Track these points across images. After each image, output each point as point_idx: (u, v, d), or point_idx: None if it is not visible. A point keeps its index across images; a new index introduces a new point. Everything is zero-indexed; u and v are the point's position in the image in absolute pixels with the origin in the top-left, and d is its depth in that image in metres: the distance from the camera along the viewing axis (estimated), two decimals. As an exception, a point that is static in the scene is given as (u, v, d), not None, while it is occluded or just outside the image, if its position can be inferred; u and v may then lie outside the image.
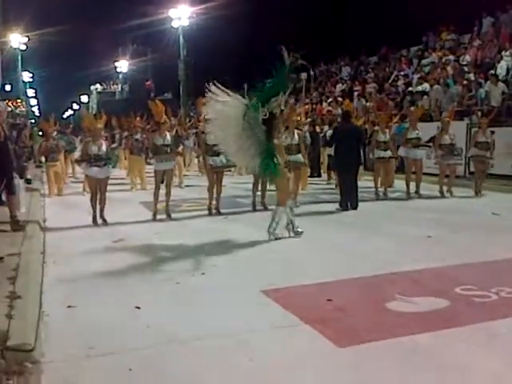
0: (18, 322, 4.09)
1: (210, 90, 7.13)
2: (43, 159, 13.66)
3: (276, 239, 7.35)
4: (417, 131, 11.36)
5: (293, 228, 7.50)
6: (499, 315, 4.35)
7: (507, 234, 7.45)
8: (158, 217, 9.15)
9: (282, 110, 7.52)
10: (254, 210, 9.82)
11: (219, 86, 7.12)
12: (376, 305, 4.65)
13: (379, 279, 5.41)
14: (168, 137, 9.25)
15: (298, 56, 7.15)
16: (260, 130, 7.11)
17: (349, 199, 9.66)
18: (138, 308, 4.63)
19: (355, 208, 9.66)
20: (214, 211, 9.58)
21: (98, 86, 50.83)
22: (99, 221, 8.78)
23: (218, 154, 9.08)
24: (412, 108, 13.88)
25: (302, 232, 7.48)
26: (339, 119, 13.56)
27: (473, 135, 11.58)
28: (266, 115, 7.06)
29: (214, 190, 9.56)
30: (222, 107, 7.15)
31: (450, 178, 11.49)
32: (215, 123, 7.40)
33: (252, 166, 7.60)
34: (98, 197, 8.84)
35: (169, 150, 9.19)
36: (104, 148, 8.81)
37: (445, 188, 11.35)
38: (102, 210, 8.86)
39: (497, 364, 3.58)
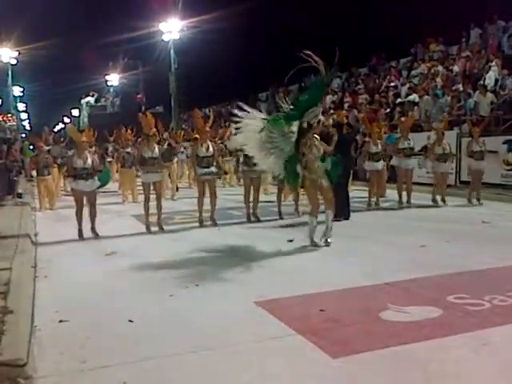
0: (9, 336, 4.06)
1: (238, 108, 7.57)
2: (34, 173, 13.63)
3: (315, 246, 7.48)
4: (408, 141, 11.44)
5: (326, 235, 7.62)
6: (492, 323, 4.36)
7: (498, 243, 7.48)
8: (154, 229, 9.13)
9: (319, 121, 7.67)
10: (249, 221, 9.83)
11: (242, 105, 7.51)
12: (369, 315, 4.65)
13: (372, 289, 5.42)
14: (156, 150, 9.25)
15: (334, 71, 7.43)
16: (284, 141, 7.38)
17: (343, 209, 9.50)
18: (131, 321, 4.61)
19: (347, 218, 9.62)
20: (209, 222, 9.53)
21: (89, 98, 50.68)
22: (88, 234, 8.72)
23: (208, 166, 9.13)
24: (403, 118, 13.96)
25: (330, 243, 7.55)
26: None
27: (466, 145, 11.61)
28: (304, 125, 7.35)
29: (209, 201, 9.51)
30: (245, 122, 7.54)
31: (442, 186, 11.55)
32: (242, 136, 7.76)
33: (277, 174, 7.90)
34: (88, 210, 8.79)
35: (156, 163, 9.18)
36: (90, 161, 8.74)
37: (438, 197, 11.40)
38: (92, 223, 8.81)
39: (491, 372, 3.58)
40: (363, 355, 3.83)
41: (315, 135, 7.61)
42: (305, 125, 7.33)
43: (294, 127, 7.44)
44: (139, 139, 19.12)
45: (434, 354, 3.84)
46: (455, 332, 4.19)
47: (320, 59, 7.20)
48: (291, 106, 7.51)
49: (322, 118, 7.87)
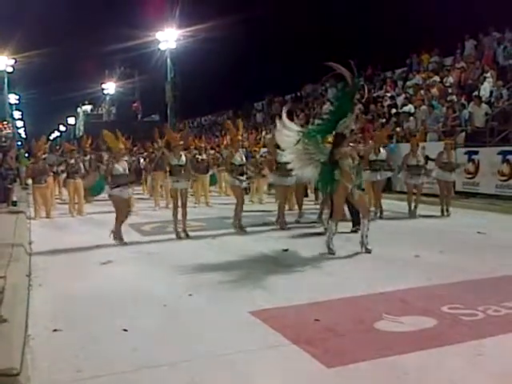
0: (3, 345, 4.03)
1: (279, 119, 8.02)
2: (30, 181, 13.60)
3: (330, 254, 7.55)
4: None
5: (363, 244, 7.67)
6: (486, 333, 4.37)
7: (493, 253, 7.50)
8: (149, 238, 9.13)
9: (351, 130, 7.88)
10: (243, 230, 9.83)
11: (284, 117, 7.93)
12: (364, 325, 4.66)
13: (367, 299, 5.42)
14: (183, 157, 9.55)
15: (359, 80, 7.73)
16: (320, 152, 7.61)
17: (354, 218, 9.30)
18: (125, 331, 4.60)
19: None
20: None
21: (86, 107, 50.74)
22: (85, 243, 8.74)
23: (242, 174, 9.58)
24: (398, 128, 13.96)
25: (371, 250, 7.61)
26: None
27: (436, 156, 11.56)
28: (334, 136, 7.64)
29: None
30: (282, 134, 7.94)
31: (416, 197, 11.45)
32: (284, 146, 8.12)
33: (314, 182, 8.22)
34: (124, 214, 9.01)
35: (183, 171, 9.43)
36: (127, 168, 9.10)
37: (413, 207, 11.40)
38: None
39: (485, 382, 3.59)
40: (358, 365, 3.83)
41: (350, 144, 7.80)
42: (339, 134, 7.57)
43: (329, 138, 7.76)
44: (135, 148, 19.21)
45: (428, 364, 3.84)
46: (449, 342, 4.20)
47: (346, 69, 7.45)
48: (323, 119, 7.89)
49: (353, 126, 8.00)
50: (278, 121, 8.05)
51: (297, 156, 7.76)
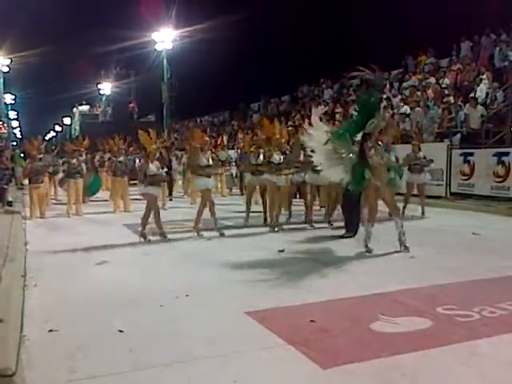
0: (-2, 346, 4.03)
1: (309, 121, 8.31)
2: (26, 181, 13.58)
3: (367, 252, 7.65)
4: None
5: (402, 242, 7.74)
6: (482, 334, 4.38)
7: (488, 254, 7.53)
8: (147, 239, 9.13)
9: (381, 130, 7.95)
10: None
11: (313, 119, 8.22)
12: (359, 325, 4.66)
13: (362, 300, 5.44)
14: (209, 157, 9.83)
15: (382, 77, 7.85)
16: (349, 150, 7.70)
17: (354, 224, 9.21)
18: (121, 331, 4.59)
19: (354, 234, 9.14)
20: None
21: (82, 107, 50.54)
22: (80, 244, 8.73)
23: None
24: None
25: (408, 247, 7.69)
26: None
27: (404, 158, 11.19)
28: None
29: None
30: (311, 133, 8.08)
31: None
32: (312, 145, 8.20)
33: (343, 182, 8.08)
34: (154, 215, 9.18)
35: (211, 170, 9.75)
36: (159, 167, 9.38)
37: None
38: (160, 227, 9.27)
39: (480, 383, 3.60)
40: (353, 366, 3.84)
41: (380, 142, 7.84)
42: (367, 135, 7.67)
43: (358, 137, 7.76)
44: (131, 148, 19.20)
45: (423, 365, 3.85)
46: (444, 343, 4.21)
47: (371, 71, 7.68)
48: (352, 119, 8.04)
49: (382, 127, 8.03)
50: (308, 125, 8.16)
51: (326, 156, 7.81)
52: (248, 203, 10.99)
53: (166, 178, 9.67)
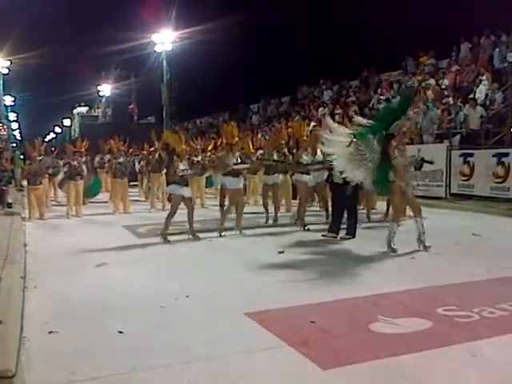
0: (-2, 347, 4.03)
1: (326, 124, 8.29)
2: (25, 183, 13.58)
3: (392, 252, 7.64)
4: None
5: (422, 242, 7.78)
6: (482, 335, 4.38)
7: (488, 255, 7.53)
8: (145, 240, 9.12)
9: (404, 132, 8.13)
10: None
11: (329, 123, 8.23)
12: (359, 326, 4.66)
13: (362, 301, 5.43)
14: (238, 157, 9.86)
15: (413, 84, 7.90)
16: (372, 152, 7.61)
17: (339, 226, 9.09)
18: (121, 332, 4.59)
19: (353, 235, 9.03)
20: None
21: (82, 109, 50.59)
22: (81, 245, 8.74)
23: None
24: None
25: (430, 246, 7.72)
26: None
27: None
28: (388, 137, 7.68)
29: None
30: (332, 137, 7.96)
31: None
32: (331, 150, 8.11)
33: (366, 183, 8.08)
34: (188, 214, 9.26)
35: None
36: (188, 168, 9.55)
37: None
38: (191, 226, 9.28)
39: (479, 384, 3.61)
40: (353, 367, 3.84)
41: (403, 143, 7.88)
42: (390, 135, 7.68)
43: (380, 138, 7.70)
44: (131, 150, 19.18)
45: (423, 366, 3.85)
46: (444, 344, 4.21)
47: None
48: (377, 119, 7.95)
49: (405, 129, 8.09)
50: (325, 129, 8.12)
51: (348, 159, 7.75)
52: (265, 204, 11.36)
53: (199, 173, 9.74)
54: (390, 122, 7.62)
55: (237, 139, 10.00)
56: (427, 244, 7.77)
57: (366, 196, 11.26)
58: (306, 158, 10.03)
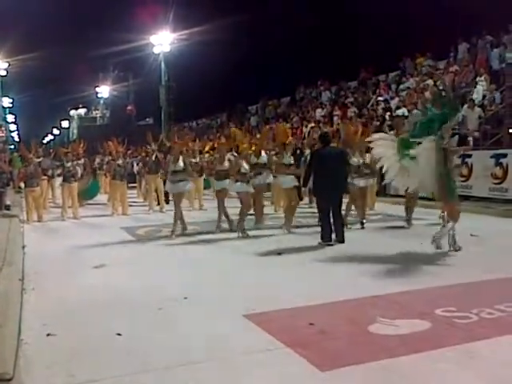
0: (-4, 350, 4.02)
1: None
2: (22, 185, 13.56)
3: (437, 248, 7.74)
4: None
5: (454, 243, 7.86)
6: (480, 336, 4.38)
7: (486, 256, 7.53)
8: (143, 242, 9.12)
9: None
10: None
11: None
12: (357, 328, 4.66)
13: (361, 302, 5.43)
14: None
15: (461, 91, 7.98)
16: (427, 158, 7.60)
17: (330, 231, 8.72)
18: (119, 335, 4.58)
19: (342, 241, 8.67)
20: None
21: (80, 110, 50.55)
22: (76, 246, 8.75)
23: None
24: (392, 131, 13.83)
25: (461, 247, 7.80)
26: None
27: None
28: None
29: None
30: (378, 144, 8.25)
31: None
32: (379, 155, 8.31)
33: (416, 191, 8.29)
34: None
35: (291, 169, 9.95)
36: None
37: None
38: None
39: (478, 385, 3.60)
40: (351, 368, 3.83)
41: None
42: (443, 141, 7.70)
43: (427, 143, 7.65)
44: (129, 151, 19.18)
45: (421, 368, 3.85)
46: (443, 345, 4.20)
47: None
48: (425, 121, 8.05)
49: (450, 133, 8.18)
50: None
51: (395, 166, 7.86)
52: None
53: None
54: (441, 124, 7.68)
55: (291, 138, 10.17)
56: (458, 245, 7.86)
57: (363, 196, 11.01)
58: (356, 160, 10.22)
